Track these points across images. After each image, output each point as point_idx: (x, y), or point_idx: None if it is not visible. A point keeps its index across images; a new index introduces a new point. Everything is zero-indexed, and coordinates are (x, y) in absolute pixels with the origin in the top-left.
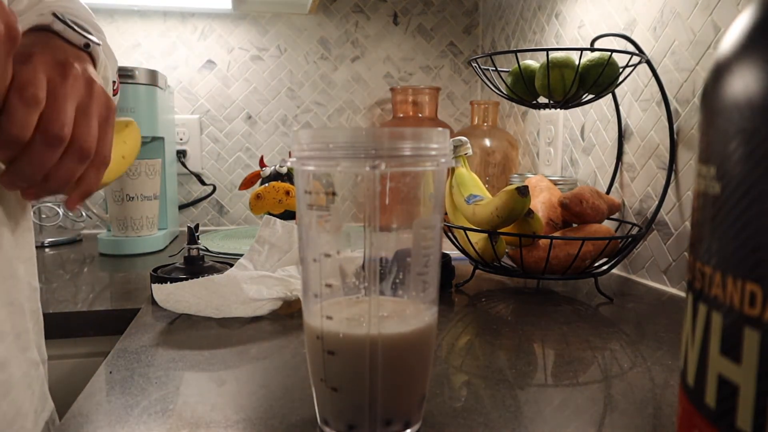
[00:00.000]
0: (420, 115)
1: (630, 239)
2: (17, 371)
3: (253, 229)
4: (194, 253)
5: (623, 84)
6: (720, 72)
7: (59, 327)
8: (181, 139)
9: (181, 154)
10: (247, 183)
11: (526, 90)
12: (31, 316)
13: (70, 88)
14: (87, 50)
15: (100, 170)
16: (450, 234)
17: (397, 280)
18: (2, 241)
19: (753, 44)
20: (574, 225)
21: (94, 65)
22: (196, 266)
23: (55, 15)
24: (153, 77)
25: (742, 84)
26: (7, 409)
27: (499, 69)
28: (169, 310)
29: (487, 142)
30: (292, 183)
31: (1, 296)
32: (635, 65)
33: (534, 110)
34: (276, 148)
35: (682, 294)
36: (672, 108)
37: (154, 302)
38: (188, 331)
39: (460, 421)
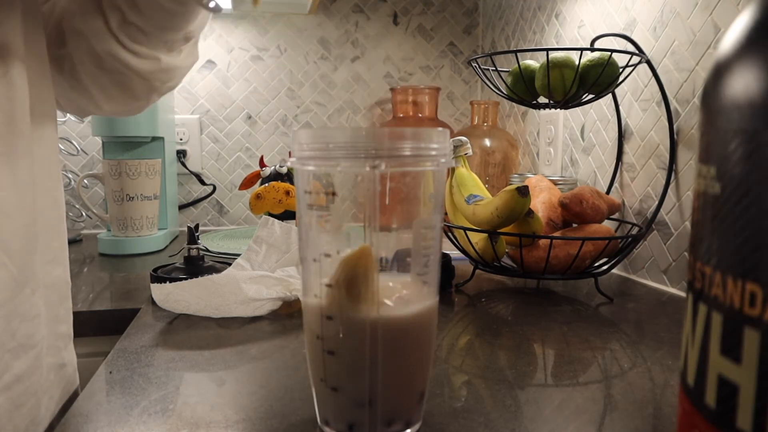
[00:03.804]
0: (420, 115)
1: (630, 239)
2: (36, 381)
3: (253, 229)
4: (194, 253)
5: (623, 84)
6: (720, 72)
7: None
8: (181, 139)
9: (181, 154)
10: (247, 183)
11: (526, 90)
12: (63, 319)
13: None
14: None
15: None
16: (450, 234)
17: None
18: (31, 249)
19: (753, 44)
20: (574, 225)
21: None
22: (196, 266)
23: None
24: None
25: (742, 84)
26: (20, 420)
27: (499, 69)
28: (168, 310)
29: (487, 142)
30: (292, 183)
31: (27, 310)
32: (635, 65)
33: (534, 110)
34: (276, 148)
35: (682, 294)
36: (672, 108)
37: (154, 302)
38: (188, 331)
39: (460, 421)
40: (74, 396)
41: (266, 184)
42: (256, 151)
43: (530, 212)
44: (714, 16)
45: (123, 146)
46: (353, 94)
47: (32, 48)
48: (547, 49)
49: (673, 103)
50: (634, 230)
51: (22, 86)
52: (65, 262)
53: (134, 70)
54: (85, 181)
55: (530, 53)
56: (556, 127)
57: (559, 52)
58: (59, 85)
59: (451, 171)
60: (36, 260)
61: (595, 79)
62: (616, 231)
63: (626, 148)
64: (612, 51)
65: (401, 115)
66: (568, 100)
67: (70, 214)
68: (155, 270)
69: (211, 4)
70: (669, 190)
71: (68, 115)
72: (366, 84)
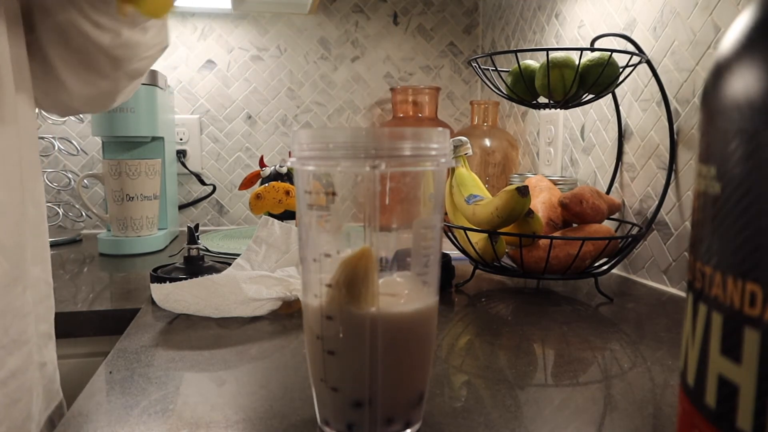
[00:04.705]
0: (420, 115)
1: (630, 239)
2: (29, 378)
3: (252, 229)
4: (194, 253)
5: (623, 84)
6: (720, 72)
7: (59, 327)
8: (181, 139)
9: (181, 154)
10: (247, 183)
11: (526, 90)
12: (45, 318)
13: None
14: None
15: None
16: (450, 234)
17: None
18: (22, 246)
19: (753, 44)
20: (574, 225)
21: None
22: (196, 266)
23: None
24: (153, 77)
25: (742, 84)
26: (17, 415)
27: (499, 69)
28: (168, 310)
29: (487, 142)
30: (292, 183)
31: (19, 307)
32: (635, 65)
33: (534, 110)
34: (276, 148)
35: (682, 294)
36: (672, 108)
37: (153, 302)
38: (188, 331)
39: (460, 421)
40: (56, 398)
41: (266, 184)
42: (256, 151)
43: (530, 212)
44: (714, 16)
45: (123, 146)
46: (353, 94)
47: (14, 47)
48: (547, 49)
49: (673, 103)
50: (634, 230)
51: (8, 84)
52: (46, 262)
53: (95, 42)
54: (85, 181)
55: (530, 53)
56: (556, 127)
57: (559, 52)
58: (35, 76)
59: (451, 171)
60: (27, 257)
61: (595, 79)
62: (616, 231)
63: (626, 148)
64: (612, 51)
65: (401, 115)
66: (568, 100)
67: (70, 214)
68: (155, 270)
69: None
70: (669, 190)
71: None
72: (366, 84)
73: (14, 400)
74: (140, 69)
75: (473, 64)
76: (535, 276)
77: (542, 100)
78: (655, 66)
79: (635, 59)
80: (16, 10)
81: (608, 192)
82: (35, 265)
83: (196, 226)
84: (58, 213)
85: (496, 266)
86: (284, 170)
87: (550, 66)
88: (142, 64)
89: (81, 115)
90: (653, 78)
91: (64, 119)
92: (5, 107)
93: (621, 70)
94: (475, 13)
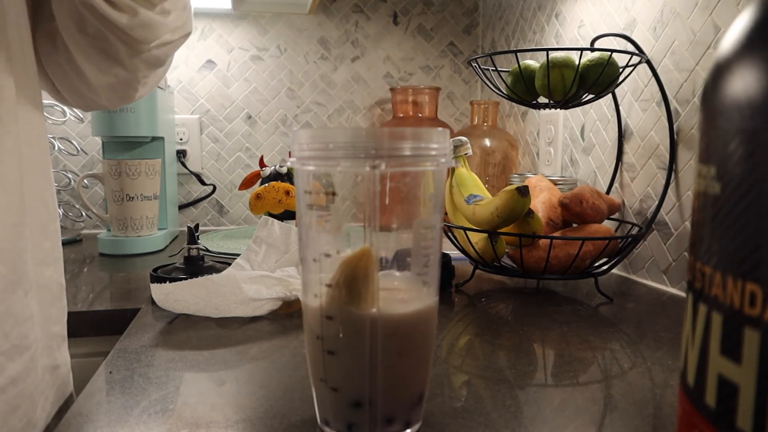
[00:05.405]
0: (420, 115)
1: (630, 239)
2: (32, 384)
3: (253, 229)
4: (194, 253)
5: (623, 84)
6: (720, 72)
7: None
8: (181, 139)
9: (181, 154)
10: (247, 183)
11: (526, 90)
12: (58, 320)
13: None
14: None
15: None
16: (450, 234)
17: None
18: (21, 250)
19: (753, 44)
20: (574, 225)
21: None
22: (196, 266)
23: None
24: None
25: (742, 84)
26: (15, 423)
27: (499, 69)
28: (168, 310)
29: (487, 142)
30: (292, 183)
31: (20, 311)
32: (635, 65)
33: (534, 110)
34: (276, 148)
35: (682, 294)
36: (672, 108)
37: (154, 302)
38: (188, 331)
39: (460, 421)
40: (69, 399)
41: (266, 184)
42: (256, 151)
43: (530, 212)
44: (714, 16)
45: (123, 146)
46: (353, 94)
47: (18, 47)
48: (547, 49)
49: (673, 103)
50: (634, 230)
51: (8, 84)
52: (58, 262)
53: (112, 23)
54: (85, 181)
55: (530, 53)
56: (556, 127)
57: (559, 52)
58: (58, 65)
59: (451, 171)
60: (27, 260)
61: (595, 79)
62: (616, 231)
63: (626, 148)
64: (612, 51)
65: (401, 115)
66: (568, 100)
67: (70, 214)
68: (155, 270)
69: None
70: (669, 190)
71: (68, 114)
72: (366, 84)
73: (13, 408)
74: (160, 56)
75: (473, 64)
76: (535, 276)
77: (542, 100)
78: (655, 66)
79: (635, 59)
80: (22, 5)
81: (608, 192)
82: (47, 267)
83: (196, 226)
84: (58, 213)
85: (496, 266)
86: (284, 170)
87: (550, 66)
88: (162, 51)
89: (81, 115)
90: (653, 78)
91: (65, 119)
92: (3, 107)
93: (621, 70)
94: (475, 13)
